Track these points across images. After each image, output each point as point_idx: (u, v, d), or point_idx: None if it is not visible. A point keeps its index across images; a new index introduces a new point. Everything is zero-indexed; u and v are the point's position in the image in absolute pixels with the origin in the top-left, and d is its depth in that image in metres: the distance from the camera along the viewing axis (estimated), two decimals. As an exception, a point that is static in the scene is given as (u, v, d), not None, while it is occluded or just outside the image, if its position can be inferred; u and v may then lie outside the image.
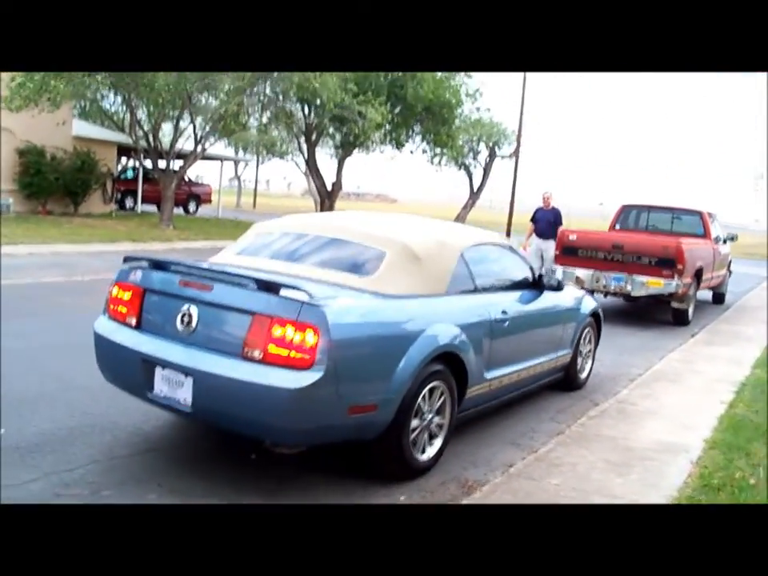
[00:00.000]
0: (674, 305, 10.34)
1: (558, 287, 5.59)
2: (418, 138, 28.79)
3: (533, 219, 12.79)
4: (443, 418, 4.21)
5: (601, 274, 10.14)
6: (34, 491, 3.54)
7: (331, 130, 25.99)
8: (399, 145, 28.72)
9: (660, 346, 8.75)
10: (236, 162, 42.40)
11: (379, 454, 3.91)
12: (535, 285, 5.43)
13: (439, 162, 34.20)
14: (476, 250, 4.85)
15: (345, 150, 27.02)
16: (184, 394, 3.65)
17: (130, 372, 3.93)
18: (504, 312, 4.78)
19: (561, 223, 12.37)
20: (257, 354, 3.48)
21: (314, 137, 25.93)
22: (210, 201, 28.96)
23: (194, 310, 3.72)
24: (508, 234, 28.62)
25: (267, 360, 3.45)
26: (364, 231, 4.49)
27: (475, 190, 35.19)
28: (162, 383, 3.75)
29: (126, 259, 4.23)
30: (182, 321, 3.74)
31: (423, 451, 4.10)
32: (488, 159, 34.62)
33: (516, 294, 5.13)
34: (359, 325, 3.64)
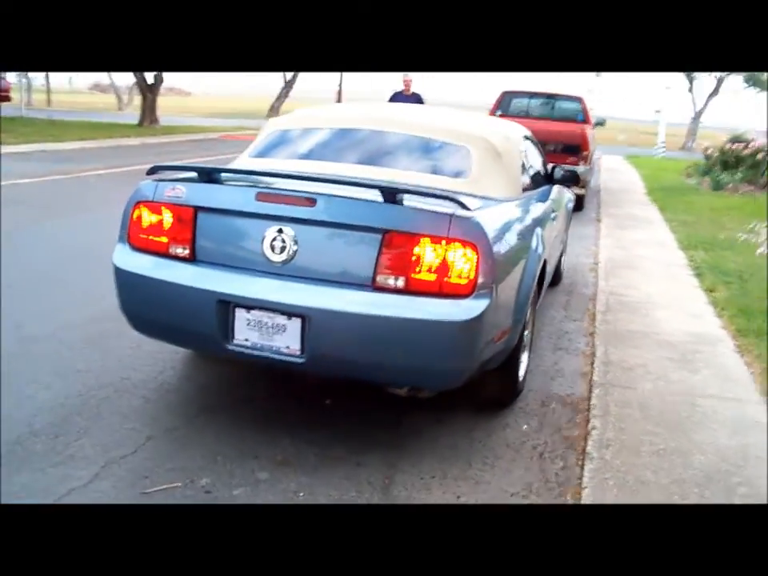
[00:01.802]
0: (575, 191, 10.54)
1: (561, 179, 5.28)
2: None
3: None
4: (528, 330, 3.80)
5: None
6: (112, 493, 2.68)
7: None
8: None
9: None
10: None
11: (497, 381, 3.43)
12: (548, 178, 5.06)
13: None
14: (524, 144, 4.35)
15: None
16: (287, 341, 2.87)
17: (193, 318, 3.02)
18: (553, 210, 4.44)
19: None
20: (396, 282, 2.79)
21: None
22: (9, 99, 24.86)
23: (288, 233, 2.88)
24: None
25: (412, 289, 2.78)
26: (436, 125, 3.79)
27: (287, 79, 33.45)
28: (248, 329, 2.92)
29: (154, 170, 3.18)
30: (272, 247, 2.90)
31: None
32: None
33: (545, 189, 4.74)
34: (503, 237, 3.05)
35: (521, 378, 3.66)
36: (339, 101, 28.58)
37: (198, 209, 3.04)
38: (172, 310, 3.07)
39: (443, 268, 2.76)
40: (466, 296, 2.76)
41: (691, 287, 6.24)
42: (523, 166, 4.12)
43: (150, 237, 3.14)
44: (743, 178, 13.55)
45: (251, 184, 3.07)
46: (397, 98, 9.87)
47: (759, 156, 13.37)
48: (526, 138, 4.60)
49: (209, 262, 3.04)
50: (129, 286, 3.19)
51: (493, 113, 11.98)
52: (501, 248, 2.94)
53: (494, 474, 3.02)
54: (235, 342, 2.95)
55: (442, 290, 2.77)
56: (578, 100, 12.04)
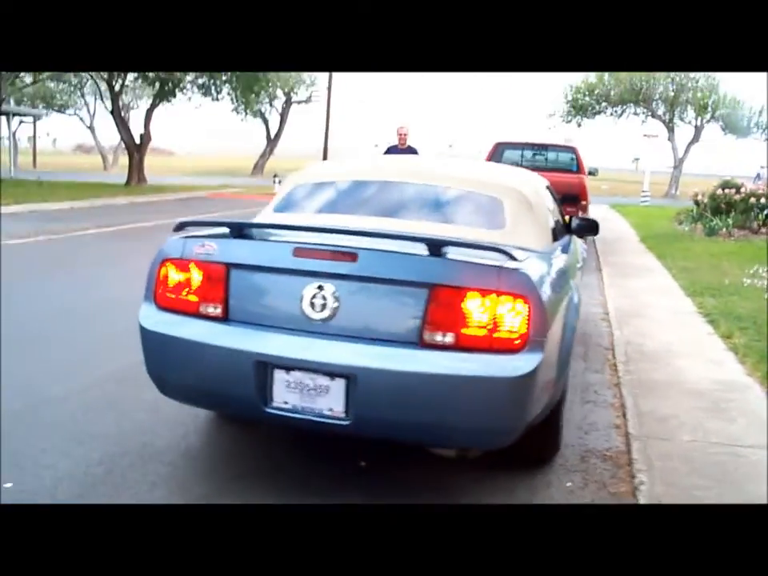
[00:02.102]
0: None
1: (579, 229, 5.24)
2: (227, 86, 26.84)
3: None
4: None
5: None
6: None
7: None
8: (208, 93, 26.71)
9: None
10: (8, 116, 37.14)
11: (539, 436, 3.30)
12: (567, 228, 5.02)
13: (244, 110, 32.63)
14: (547, 194, 4.32)
15: (158, 97, 24.50)
16: (330, 403, 2.74)
17: (228, 381, 2.87)
18: (576, 260, 4.39)
19: None
20: (445, 338, 2.69)
21: (117, 84, 23.20)
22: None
23: (329, 289, 2.77)
24: None
25: (461, 345, 2.68)
26: (466, 176, 3.74)
27: (272, 136, 33.91)
28: (288, 392, 2.78)
29: (182, 226, 3.10)
30: (312, 305, 2.78)
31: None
32: (284, 105, 33.36)
33: (567, 239, 4.69)
34: (548, 289, 2.96)
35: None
36: (325, 157, 28.80)
37: (230, 266, 2.93)
38: (205, 373, 2.92)
39: (493, 322, 2.67)
40: (517, 351, 2.66)
41: (706, 334, 6.17)
42: (551, 215, 4.08)
43: (179, 296, 3.02)
44: (735, 223, 13.70)
45: (286, 239, 2.97)
46: (392, 151, 9.58)
47: (752, 200, 13.54)
48: (547, 188, 4.57)
49: (243, 322, 2.91)
50: (157, 347, 3.04)
51: None
52: (548, 300, 2.86)
53: (548, 536, 2.86)
54: (274, 405, 2.80)
55: (492, 346, 2.67)
56: (572, 150, 12.22)
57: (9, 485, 3.01)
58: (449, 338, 2.68)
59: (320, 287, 2.77)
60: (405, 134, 9.59)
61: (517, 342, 2.66)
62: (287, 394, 2.78)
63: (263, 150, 35.14)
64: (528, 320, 2.65)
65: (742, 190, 14.05)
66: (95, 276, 7.79)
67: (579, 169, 11.95)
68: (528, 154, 12.42)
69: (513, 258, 2.76)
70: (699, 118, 34.40)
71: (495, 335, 2.66)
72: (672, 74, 32.17)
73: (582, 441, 3.84)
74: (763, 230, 13.58)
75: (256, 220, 3.61)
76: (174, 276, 3.03)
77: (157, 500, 2.97)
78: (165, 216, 14.59)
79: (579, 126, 35.04)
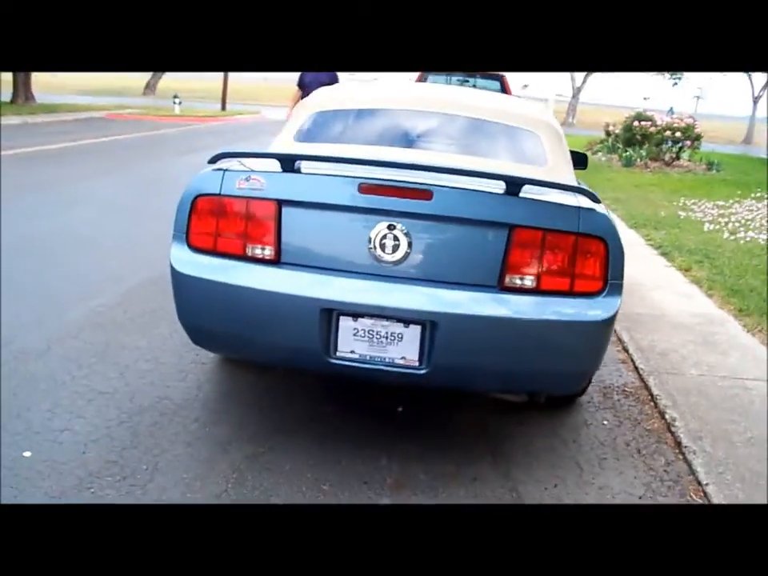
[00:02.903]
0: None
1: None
2: None
3: (300, 83, 8.93)
4: None
5: None
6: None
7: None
8: None
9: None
10: None
11: None
12: None
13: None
14: None
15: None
16: (403, 351, 2.55)
17: (284, 330, 2.62)
18: None
19: (337, 81, 9.08)
20: (526, 281, 2.56)
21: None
22: None
23: (401, 230, 2.54)
24: (223, 107, 26.48)
25: (543, 288, 2.56)
26: (496, 108, 3.53)
27: None
28: (355, 340, 2.57)
29: (219, 157, 2.73)
30: (383, 246, 2.56)
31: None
32: None
33: None
34: (615, 230, 2.88)
35: None
36: (225, 89, 26.88)
37: (282, 202, 2.62)
38: (256, 322, 2.65)
39: (574, 265, 2.56)
40: (597, 293, 2.59)
41: (664, 267, 6.39)
42: None
43: (220, 236, 2.69)
44: (649, 155, 14.19)
45: (348, 174, 2.63)
46: (306, 74, 8.90)
47: (667, 133, 14.03)
48: None
49: (299, 265, 2.63)
50: (195, 293, 2.72)
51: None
52: (618, 240, 2.78)
53: (608, 476, 2.89)
54: (339, 354, 2.59)
55: (573, 289, 2.57)
56: (500, 78, 12.11)
57: (28, 453, 2.70)
58: (529, 281, 2.55)
59: (391, 227, 2.54)
60: None
61: (597, 285, 2.58)
62: (354, 343, 2.57)
63: (156, 67, 32.80)
64: (606, 262, 2.58)
65: (658, 122, 14.52)
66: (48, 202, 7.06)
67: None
68: (455, 81, 12.19)
69: (595, 199, 2.65)
70: None
71: (576, 278, 2.56)
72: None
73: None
74: (676, 161, 14.16)
75: (276, 149, 3.23)
76: (213, 214, 2.69)
77: (203, 461, 2.76)
78: (70, 138, 13.51)
79: None
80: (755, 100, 37.37)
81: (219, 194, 2.67)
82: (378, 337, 2.57)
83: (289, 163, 2.66)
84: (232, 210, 2.67)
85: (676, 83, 36.19)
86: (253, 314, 2.64)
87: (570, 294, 2.57)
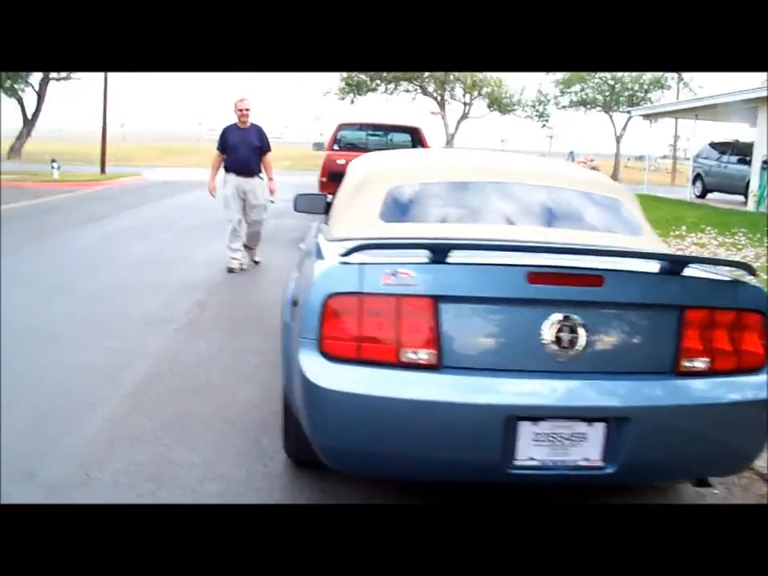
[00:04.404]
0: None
1: None
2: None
3: (223, 146, 7.42)
4: None
5: None
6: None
7: None
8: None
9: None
10: None
11: None
12: None
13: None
14: None
15: None
16: (586, 452, 2.34)
17: (455, 444, 2.34)
18: None
19: (269, 147, 7.62)
20: (700, 363, 2.43)
21: None
22: None
23: (575, 320, 2.34)
24: (102, 170, 22.50)
25: (715, 369, 2.44)
26: (566, 175, 3.45)
27: (29, 116, 29.89)
28: (534, 446, 2.33)
29: (358, 249, 2.38)
30: (558, 340, 2.33)
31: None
32: (42, 83, 29.48)
33: None
34: None
35: None
36: (104, 139, 23.62)
37: (439, 298, 2.33)
38: (415, 437, 2.33)
39: (740, 341, 2.47)
40: (762, 368, 2.50)
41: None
42: None
43: (364, 341, 2.34)
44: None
45: (512, 262, 2.41)
46: (230, 133, 7.40)
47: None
48: None
49: (464, 368, 2.35)
50: (339, 410, 2.34)
51: (330, 147, 11.29)
52: None
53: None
54: (517, 463, 2.32)
55: (740, 365, 2.48)
56: (415, 130, 11.75)
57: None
58: (703, 363, 2.43)
59: (566, 318, 2.34)
60: (246, 110, 7.33)
61: (762, 359, 2.50)
62: (533, 449, 2.33)
63: (19, 131, 30.65)
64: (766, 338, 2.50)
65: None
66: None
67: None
68: (372, 134, 11.89)
69: (752, 272, 2.56)
70: (468, 95, 36.52)
71: (743, 355, 2.48)
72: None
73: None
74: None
75: (363, 231, 2.85)
76: (353, 315, 2.34)
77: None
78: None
79: (353, 102, 35.80)
80: (618, 139, 39.88)
81: (360, 293, 2.34)
82: (560, 439, 2.35)
83: (442, 252, 2.37)
84: (378, 310, 2.34)
85: (545, 125, 38.77)
86: (414, 429, 2.34)
87: (738, 372, 2.48)
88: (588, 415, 2.33)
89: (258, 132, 7.44)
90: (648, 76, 36.98)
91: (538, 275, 2.32)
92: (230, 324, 5.42)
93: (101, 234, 9.83)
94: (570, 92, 39.52)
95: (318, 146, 12.96)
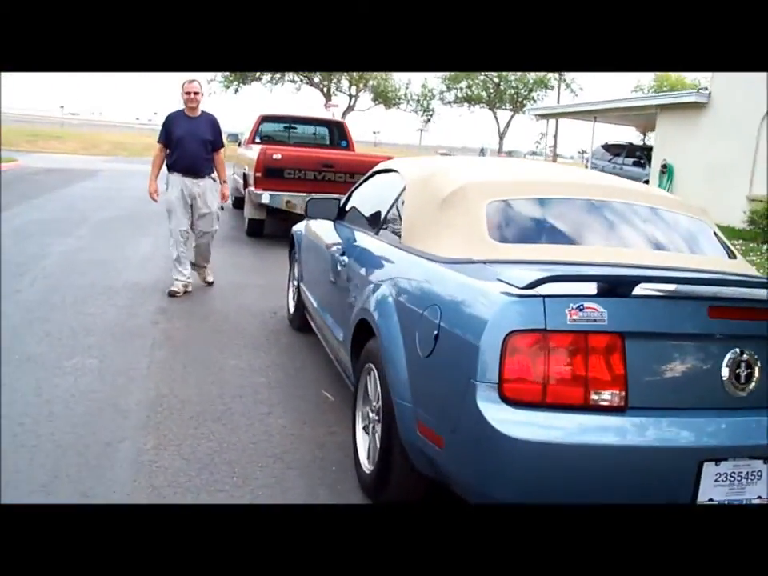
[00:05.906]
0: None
1: None
2: None
3: (167, 138, 6.09)
4: None
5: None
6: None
7: None
8: None
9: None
10: None
11: None
12: None
13: None
14: None
15: None
16: (760, 490, 2.31)
17: (644, 489, 2.26)
18: None
19: (222, 142, 6.38)
20: None
21: None
22: None
23: (749, 354, 2.28)
24: None
25: None
26: (659, 195, 3.45)
27: None
28: (714, 486, 2.27)
29: (544, 282, 2.20)
30: (736, 376, 2.28)
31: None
32: None
33: None
34: None
35: None
36: None
37: (626, 335, 2.21)
38: (602, 485, 2.23)
39: None
40: None
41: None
42: None
43: (550, 383, 2.17)
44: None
45: (693, 295, 2.35)
46: (176, 122, 6.05)
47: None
48: None
49: (649, 408, 2.25)
50: (527, 462, 2.16)
51: (252, 140, 10.83)
52: None
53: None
54: (697, 502, 2.27)
55: None
56: (342, 124, 11.80)
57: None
58: None
59: (741, 353, 2.28)
60: (196, 93, 6.01)
61: None
62: (713, 489, 2.26)
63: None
64: None
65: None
66: None
67: (349, 145, 11.34)
68: (296, 128, 11.53)
69: None
70: (354, 88, 36.83)
71: None
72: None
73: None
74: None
75: (472, 251, 2.75)
76: (538, 355, 2.16)
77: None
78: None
79: (236, 92, 35.70)
80: (501, 135, 40.58)
81: (545, 330, 2.16)
82: (739, 479, 2.30)
83: (629, 286, 2.25)
84: (566, 348, 2.18)
85: (429, 120, 39.09)
86: (601, 477, 2.22)
87: None
88: (762, 454, 2.27)
89: (211, 122, 6.11)
90: (532, 75, 37.54)
91: (719, 309, 2.25)
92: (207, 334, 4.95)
93: (10, 229, 8.45)
94: (456, 88, 39.98)
95: (234, 138, 12.12)
